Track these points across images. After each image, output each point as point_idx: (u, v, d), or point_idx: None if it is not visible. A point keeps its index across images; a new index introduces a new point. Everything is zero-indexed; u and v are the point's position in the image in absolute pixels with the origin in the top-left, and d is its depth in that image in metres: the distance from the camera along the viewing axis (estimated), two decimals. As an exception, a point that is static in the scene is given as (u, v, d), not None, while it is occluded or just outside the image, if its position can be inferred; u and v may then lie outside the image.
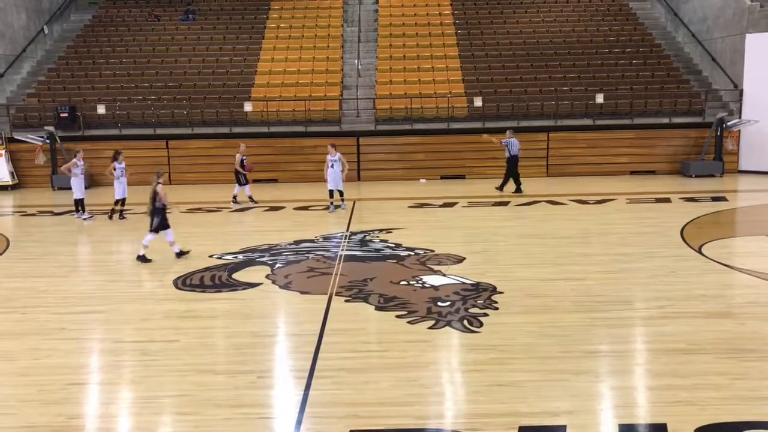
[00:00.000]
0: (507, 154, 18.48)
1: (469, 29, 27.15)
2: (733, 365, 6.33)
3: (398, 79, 24.21)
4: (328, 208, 16.02)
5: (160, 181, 11.31)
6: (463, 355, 6.83)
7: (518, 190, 18.35)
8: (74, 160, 15.60)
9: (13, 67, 25.28)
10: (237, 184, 17.44)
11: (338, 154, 15.93)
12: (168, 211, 11.24)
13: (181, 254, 11.35)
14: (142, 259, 11.10)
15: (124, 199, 15.64)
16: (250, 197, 17.33)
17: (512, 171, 18.51)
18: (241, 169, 17.22)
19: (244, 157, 17.47)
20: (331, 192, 16.02)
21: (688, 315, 7.81)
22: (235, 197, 17.36)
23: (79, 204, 15.69)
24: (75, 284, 9.91)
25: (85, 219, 15.51)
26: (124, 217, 15.59)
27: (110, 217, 15.47)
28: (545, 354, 6.67)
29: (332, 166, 15.83)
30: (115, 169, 15.40)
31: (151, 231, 11.21)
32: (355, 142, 22.47)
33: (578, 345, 6.91)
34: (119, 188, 15.49)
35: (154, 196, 11.06)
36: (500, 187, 18.68)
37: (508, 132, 18.82)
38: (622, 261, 10.50)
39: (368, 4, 29.92)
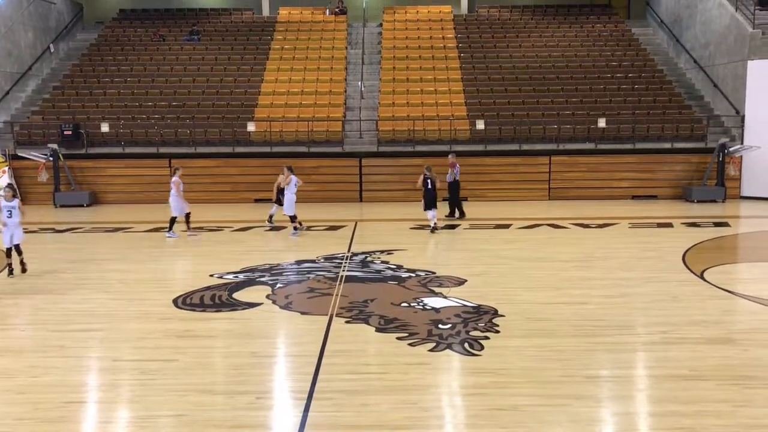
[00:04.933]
0: (450, 178, 18.13)
1: (472, 52, 27.35)
2: (736, 392, 6.27)
3: (401, 101, 24.34)
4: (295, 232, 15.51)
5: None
6: (463, 378, 6.78)
7: (454, 214, 18.24)
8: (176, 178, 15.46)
9: (18, 85, 25.45)
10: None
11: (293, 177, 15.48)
12: None
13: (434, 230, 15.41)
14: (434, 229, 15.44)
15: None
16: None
17: (456, 195, 18.34)
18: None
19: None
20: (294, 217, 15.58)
21: (689, 341, 7.76)
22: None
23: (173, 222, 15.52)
24: (74, 302, 9.87)
25: (169, 237, 15.28)
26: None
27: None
28: (546, 378, 6.62)
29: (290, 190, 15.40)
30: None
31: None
32: (357, 164, 22.54)
33: (579, 370, 6.86)
34: None
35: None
36: (460, 215, 18.26)
37: (451, 156, 18.47)
38: (623, 285, 10.46)
39: (372, 27, 30.19)
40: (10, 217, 11.46)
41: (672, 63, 27.32)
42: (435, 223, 15.70)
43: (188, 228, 15.61)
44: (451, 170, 18.02)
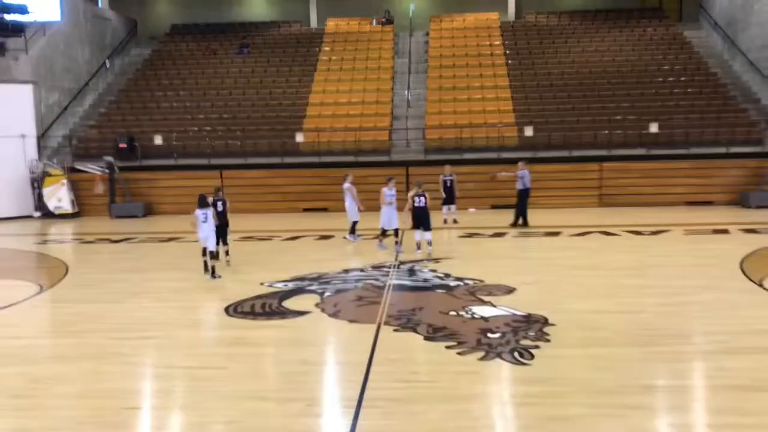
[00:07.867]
0: (520, 186, 17.85)
1: (519, 59, 27.16)
2: (800, 404, 6.04)
3: (448, 109, 24.31)
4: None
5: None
6: (513, 387, 6.70)
7: (525, 223, 17.90)
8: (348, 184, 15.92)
9: (76, 100, 26.33)
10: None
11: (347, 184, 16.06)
12: None
13: None
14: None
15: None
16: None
17: (523, 204, 17.99)
18: None
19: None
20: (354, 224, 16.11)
21: (750, 350, 7.50)
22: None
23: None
24: (130, 310, 10.11)
25: (353, 240, 15.82)
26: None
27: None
28: (599, 388, 6.49)
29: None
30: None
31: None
32: (404, 172, 22.56)
33: (634, 379, 6.70)
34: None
35: None
36: (515, 224, 18.00)
37: (520, 163, 18.20)
38: (679, 294, 10.19)
39: (419, 36, 30.26)
40: (205, 222, 12.03)
41: (726, 65, 26.62)
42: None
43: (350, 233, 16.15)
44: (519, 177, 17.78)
